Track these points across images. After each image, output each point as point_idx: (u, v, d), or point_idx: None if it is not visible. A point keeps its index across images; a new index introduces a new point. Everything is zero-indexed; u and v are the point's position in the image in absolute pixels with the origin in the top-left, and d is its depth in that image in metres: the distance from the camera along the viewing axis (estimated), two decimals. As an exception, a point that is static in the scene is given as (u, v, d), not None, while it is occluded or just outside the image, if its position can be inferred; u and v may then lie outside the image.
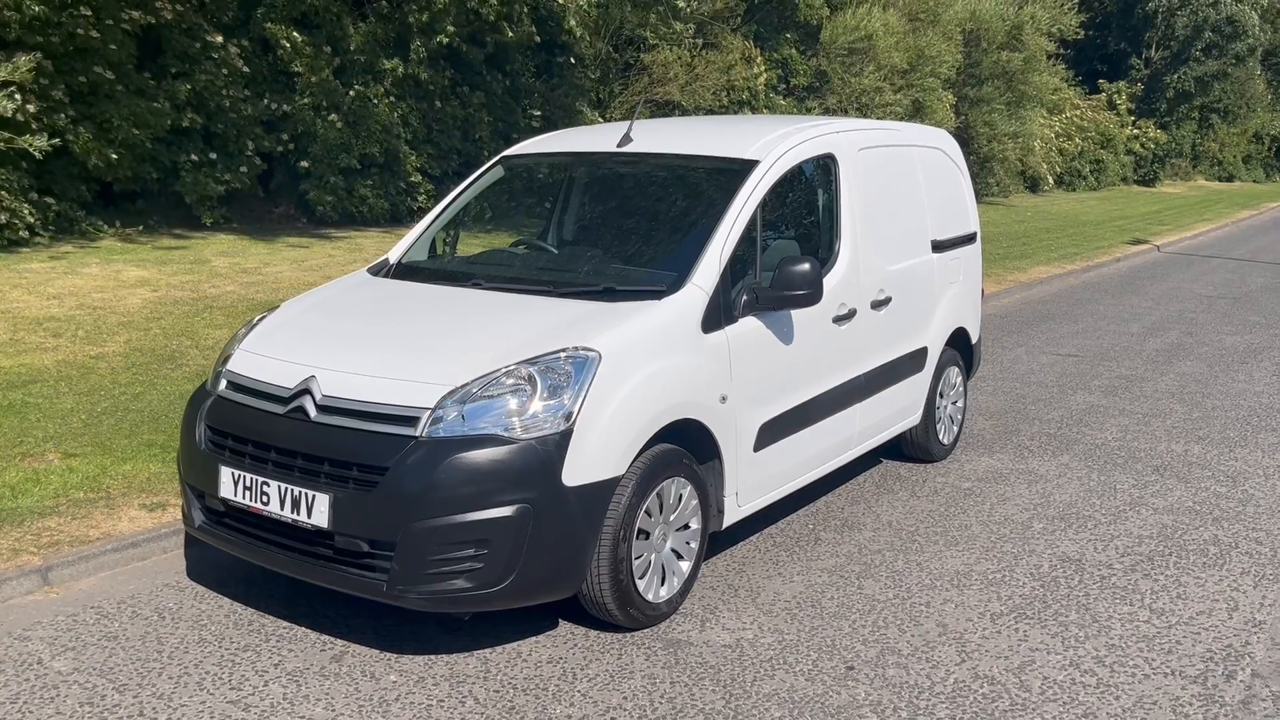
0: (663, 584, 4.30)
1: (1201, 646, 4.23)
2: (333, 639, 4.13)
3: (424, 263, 5.40)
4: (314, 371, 4.12)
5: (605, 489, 3.97)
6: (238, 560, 4.52)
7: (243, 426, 4.20)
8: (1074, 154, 34.17)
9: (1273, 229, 25.28)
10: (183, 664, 3.92)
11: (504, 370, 3.96)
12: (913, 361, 6.03)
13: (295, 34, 13.97)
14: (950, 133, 8.12)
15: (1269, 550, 5.26)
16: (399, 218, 15.49)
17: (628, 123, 5.61)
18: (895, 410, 5.92)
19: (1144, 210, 27.45)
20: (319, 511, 3.88)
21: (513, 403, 3.89)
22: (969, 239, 6.77)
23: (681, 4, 17.83)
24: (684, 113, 19.23)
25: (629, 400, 4.06)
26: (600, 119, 18.56)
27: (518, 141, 6.68)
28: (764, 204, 4.87)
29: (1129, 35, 40.53)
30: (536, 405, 3.90)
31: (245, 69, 13.78)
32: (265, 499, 4.02)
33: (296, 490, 3.94)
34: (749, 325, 4.66)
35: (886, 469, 6.38)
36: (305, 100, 14.20)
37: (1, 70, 10.97)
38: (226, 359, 4.55)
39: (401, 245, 5.52)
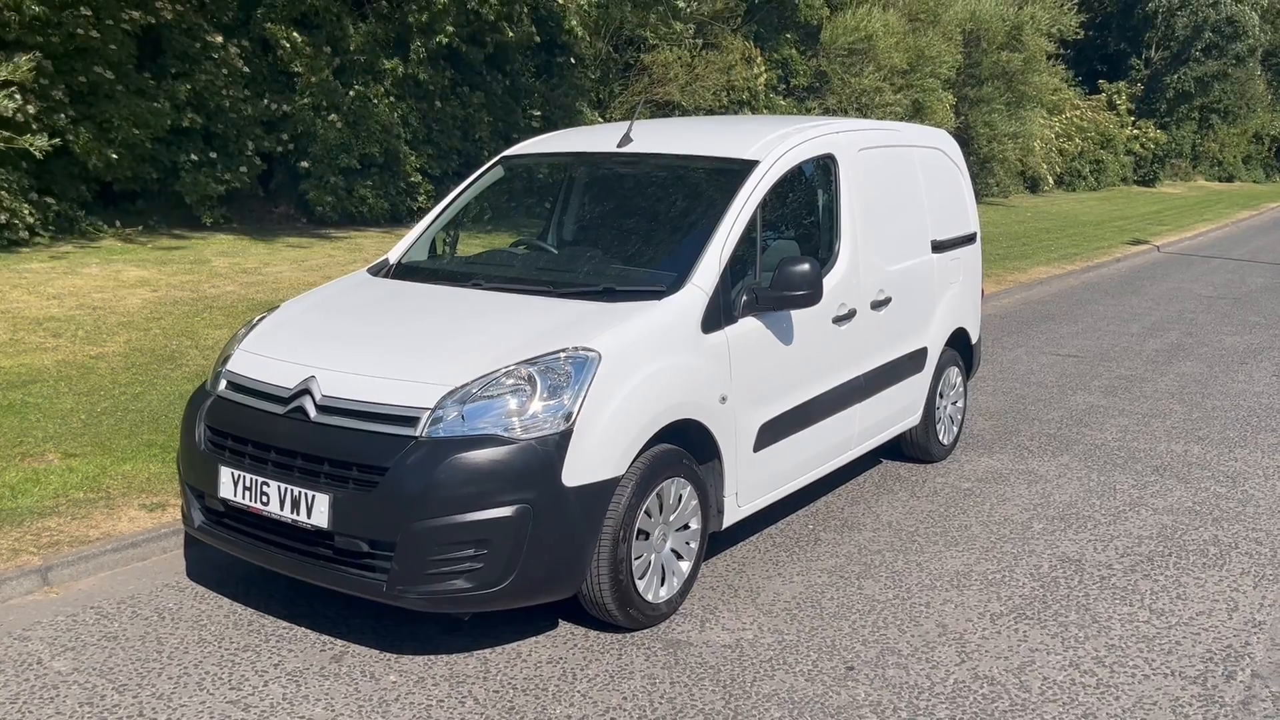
0: (662, 584, 4.30)
1: (1201, 647, 4.23)
2: (332, 639, 4.13)
3: (424, 263, 5.40)
4: (314, 372, 4.12)
5: (605, 489, 3.98)
6: (237, 560, 4.52)
7: (242, 427, 4.20)
8: (1074, 154, 34.18)
9: (1273, 229, 25.28)
10: (182, 664, 3.92)
11: (504, 370, 3.96)
12: (912, 362, 6.03)
13: (295, 34, 13.96)
14: (950, 133, 8.13)
15: (1269, 550, 5.26)
16: (399, 218, 15.49)
17: (628, 123, 5.61)
18: (895, 410, 5.92)
19: (1144, 210, 27.45)
20: (319, 512, 3.88)
21: (512, 403, 3.89)
22: (969, 239, 6.78)
23: (681, 4, 17.83)
24: (684, 113, 19.23)
25: (629, 400, 4.06)
26: (600, 119, 18.55)
27: (517, 141, 6.67)
28: (764, 204, 4.87)
29: (1129, 35, 40.53)
30: (536, 405, 3.90)
31: (245, 69, 13.78)
32: (265, 499, 4.02)
33: (296, 490, 3.94)
34: (749, 325, 4.66)
35: (886, 469, 6.38)
36: (305, 100, 14.20)
37: (1, 70, 10.97)
38: (226, 359, 4.55)
39: (401, 245, 5.52)
